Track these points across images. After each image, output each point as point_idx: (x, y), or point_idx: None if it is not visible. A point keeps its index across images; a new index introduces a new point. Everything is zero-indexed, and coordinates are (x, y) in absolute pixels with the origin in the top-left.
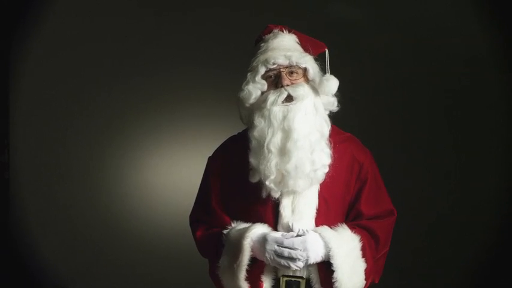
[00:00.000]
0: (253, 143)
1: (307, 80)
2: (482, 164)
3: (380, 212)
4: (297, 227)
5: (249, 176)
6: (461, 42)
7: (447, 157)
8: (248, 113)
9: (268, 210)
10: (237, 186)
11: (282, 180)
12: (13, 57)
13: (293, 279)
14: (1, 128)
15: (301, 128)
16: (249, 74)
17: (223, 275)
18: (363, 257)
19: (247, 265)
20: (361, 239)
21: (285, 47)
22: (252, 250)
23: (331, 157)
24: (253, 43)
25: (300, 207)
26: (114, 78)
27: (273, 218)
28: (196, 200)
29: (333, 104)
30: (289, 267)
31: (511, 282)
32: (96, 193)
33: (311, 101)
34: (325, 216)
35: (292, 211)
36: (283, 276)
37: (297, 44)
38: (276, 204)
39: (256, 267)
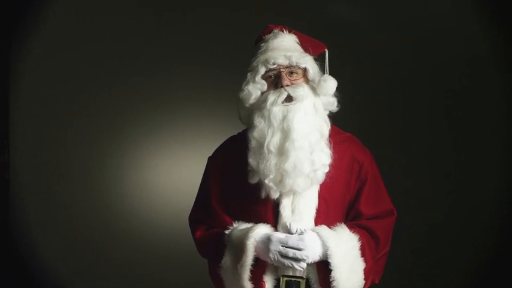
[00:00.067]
0: (253, 143)
1: (307, 80)
2: (482, 164)
3: (380, 212)
4: (294, 227)
5: (248, 176)
6: (461, 42)
7: (447, 157)
8: (248, 113)
9: (268, 211)
10: (237, 187)
11: (281, 180)
12: (13, 57)
13: (293, 279)
14: (1, 128)
15: (301, 128)
16: (249, 74)
17: (226, 275)
18: (362, 256)
19: (251, 265)
20: (360, 239)
21: (285, 47)
22: (255, 250)
23: (331, 157)
24: (253, 43)
25: (300, 207)
26: (114, 78)
27: (273, 218)
28: (196, 200)
29: (333, 104)
30: (293, 268)
31: (511, 282)
32: (96, 193)
33: (311, 101)
34: (325, 217)
35: (292, 211)
36: (283, 276)
37: (297, 44)
38: (276, 205)
39: (259, 267)
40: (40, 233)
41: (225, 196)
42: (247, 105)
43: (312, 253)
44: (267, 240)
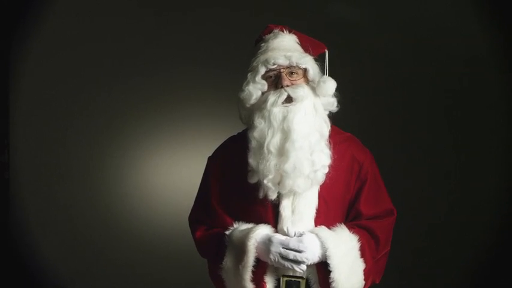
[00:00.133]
0: (253, 144)
1: (307, 81)
2: (482, 164)
3: (380, 212)
4: (292, 231)
5: (248, 176)
6: (461, 42)
7: (447, 157)
8: (248, 113)
9: (268, 211)
10: (237, 187)
11: (281, 180)
12: (13, 57)
13: (293, 279)
14: (1, 128)
15: (301, 129)
16: (249, 74)
17: (227, 276)
18: (362, 257)
19: (252, 266)
20: (360, 239)
21: (285, 47)
22: (256, 251)
23: (331, 157)
24: (253, 43)
25: (300, 207)
26: (114, 78)
27: (273, 218)
28: (196, 200)
29: (333, 105)
30: (293, 270)
31: (511, 282)
32: (96, 193)
33: (311, 102)
34: (325, 217)
35: (292, 212)
36: (284, 276)
37: (297, 45)
38: (276, 205)
39: (260, 267)
40: (40, 233)
41: (225, 196)
42: (247, 105)
43: (312, 255)
44: (267, 242)
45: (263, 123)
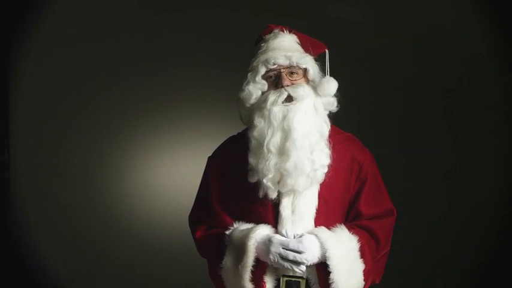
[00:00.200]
0: (253, 143)
1: (307, 81)
2: (482, 164)
3: (380, 212)
4: (291, 233)
5: (248, 176)
6: (461, 42)
7: (447, 157)
8: (248, 113)
9: (268, 211)
10: (237, 187)
11: (281, 179)
12: (13, 57)
13: (293, 279)
14: (1, 128)
15: (301, 128)
16: (249, 74)
17: (227, 276)
18: (362, 257)
19: (252, 266)
20: (360, 240)
21: (286, 47)
22: (256, 251)
23: (331, 157)
24: (254, 43)
25: (300, 207)
26: (114, 78)
27: (273, 218)
28: (196, 200)
29: (333, 104)
30: (292, 270)
31: (511, 282)
32: (96, 193)
33: (311, 102)
34: (325, 216)
35: (292, 211)
36: (284, 276)
37: (297, 44)
38: (276, 205)
39: (259, 267)
40: (40, 233)
41: (225, 196)
42: (247, 105)
43: (311, 255)
44: (268, 242)
45: (263, 122)
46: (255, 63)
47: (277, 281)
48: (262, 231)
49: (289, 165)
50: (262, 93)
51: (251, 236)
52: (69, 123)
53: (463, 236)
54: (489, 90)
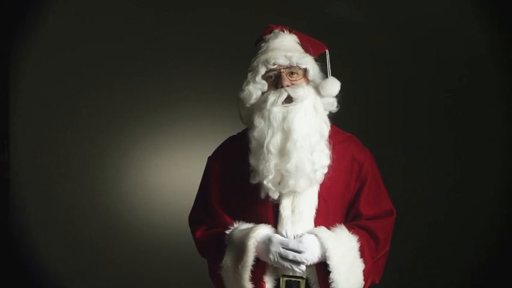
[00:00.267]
0: (253, 144)
1: (307, 81)
2: (482, 164)
3: (379, 212)
4: (291, 234)
5: (250, 177)
6: (461, 42)
7: (447, 157)
8: (248, 113)
9: (268, 211)
10: (237, 187)
11: (281, 180)
12: (13, 57)
13: (293, 279)
14: (1, 128)
15: (301, 129)
16: (249, 74)
17: (226, 275)
18: (361, 257)
19: (251, 265)
20: (360, 239)
21: (286, 47)
22: (256, 250)
23: (331, 157)
24: (254, 43)
25: (299, 207)
26: (114, 78)
27: (273, 218)
28: (195, 200)
29: (333, 105)
30: (292, 270)
31: (511, 282)
32: (96, 193)
33: (311, 102)
34: (325, 217)
35: (292, 211)
36: (283, 276)
37: (297, 45)
38: (276, 205)
39: (259, 267)
40: (40, 233)
41: (225, 196)
42: (247, 105)
43: (311, 255)
44: (267, 241)
45: (263, 123)
46: (255, 63)
47: (277, 281)
48: (262, 230)
49: (290, 166)
50: (262, 93)
51: (251, 235)
52: (69, 123)
53: (463, 236)
54: (489, 90)
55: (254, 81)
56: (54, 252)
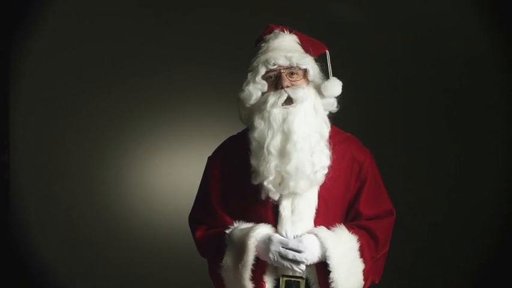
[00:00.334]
0: (254, 145)
1: (307, 81)
2: (482, 164)
3: (379, 212)
4: (290, 235)
5: (251, 177)
6: (461, 42)
7: (447, 157)
8: (248, 114)
9: (268, 211)
10: (237, 187)
11: (282, 182)
12: (13, 57)
13: (293, 279)
14: (1, 128)
15: (301, 130)
16: (249, 74)
17: (227, 275)
18: (361, 257)
19: (251, 265)
20: (359, 239)
21: (286, 47)
22: (256, 250)
23: (331, 158)
24: (254, 43)
25: (299, 208)
26: (114, 78)
27: (273, 218)
28: (195, 200)
29: (333, 105)
30: (292, 270)
31: (511, 282)
32: (96, 193)
33: (311, 103)
34: (325, 217)
35: (292, 212)
36: (283, 276)
37: (297, 45)
38: (275, 205)
39: (259, 267)
40: (40, 233)
41: (225, 196)
42: (247, 105)
43: (311, 255)
44: (267, 241)
45: (263, 124)
46: (255, 64)
47: (277, 280)
48: (263, 230)
49: (291, 167)
50: (262, 93)
51: (251, 234)
52: (69, 123)
53: (463, 236)
54: (489, 90)
55: (254, 82)
56: (54, 252)
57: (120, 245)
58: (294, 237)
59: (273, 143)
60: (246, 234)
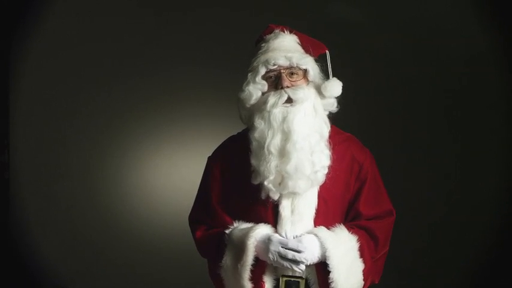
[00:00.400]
0: (254, 145)
1: (307, 81)
2: (482, 164)
3: (379, 212)
4: (290, 235)
5: (252, 177)
6: (461, 42)
7: (447, 157)
8: (248, 114)
9: (268, 211)
10: (237, 187)
11: (282, 181)
12: (13, 57)
13: (292, 279)
14: (1, 128)
15: (301, 130)
16: (249, 74)
17: (226, 275)
18: (361, 257)
19: (251, 265)
20: (359, 239)
21: (286, 47)
22: (255, 250)
23: (331, 158)
24: (254, 43)
25: (299, 207)
26: (114, 78)
27: (272, 218)
28: (195, 200)
29: (333, 105)
30: (292, 270)
31: (511, 282)
32: (96, 193)
33: (311, 103)
34: (325, 217)
35: (292, 212)
36: (283, 276)
37: (297, 45)
38: (275, 205)
39: (259, 267)
40: (40, 233)
41: (225, 196)
42: (247, 105)
43: (311, 255)
44: (267, 241)
45: (263, 124)
46: (255, 64)
47: (277, 280)
48: (262, 230)
49: (290, 167)
50: (263, 93)
51: (251, 235)
52: (69, 123)
53: (463, 236)
54: (489, 90)
55: (254, 82)
56: (54, 252)
57: (120, 245)
58: (294, 238)
59: (273, 143)
60: (246, 234)
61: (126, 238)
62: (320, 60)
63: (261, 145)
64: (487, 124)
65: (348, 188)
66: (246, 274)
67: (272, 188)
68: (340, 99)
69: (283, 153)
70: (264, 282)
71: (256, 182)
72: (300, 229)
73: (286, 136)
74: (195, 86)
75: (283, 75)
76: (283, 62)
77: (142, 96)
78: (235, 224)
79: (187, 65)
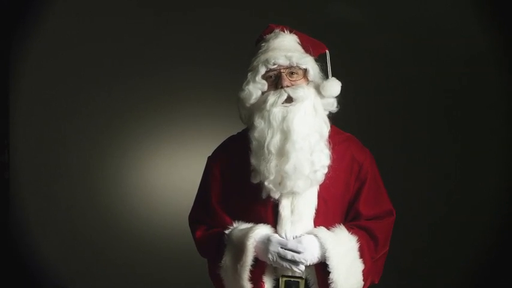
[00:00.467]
0: (254, 144)
1: (307, 81)
2: (482, 164)
3: (379, 213)
4: (290, 236)
5: (251, 177)
6: (461, 42)
7: (447, 157)
8: (248, 113)
9: (267, 211)
10: (237, 187)
11: (281, 181)
12: (13, 57)
13: (292, 279)
14: (1, 128)
15: (300, 129)
16: (249, 73)
17: (226, 275)
18: (361, 257)
19: (250, 265)
20: (359, 240)
21: (286, 47)
22: (255, 250)
23: (331, 158)
24: (254, 43)
25: (299, 207)
26: (114, 78)
27: (272, 218)
28: (195, 200)
29: (333, 105)
30: (291, 270)
31: (511, 282)
32: (96, 193)
33: (311, 103)
34: (324, 217)
35: (292, 211)
36: (283, 276)
37: (297, 45)
38: (275, 205)
39: (258, 267)
40: (40, 233)
41: (224, 196)
42: (247, 105)
43: (311, 255)
44: (266, 241)
45: (263, 123)
46: (255, 63)
47: (276, 281)
48: (262, 230)
49: (289, 167)
50: (262, 93)
51: (250, 235)
52: (69, 123)
53: (463, 236)
54: (489, 90)
55: (254, 81)
56: (54, 252)
57: (120, 245)
58: (294, 238)
59: (273, 142)
60: (245, 234)
61: (126, 238)
62: (320, 60)
63: (261, 144)
64: (487, 124)
65: (347, 188)
66: (246, 274)
67: (272, 188)
68: (340, 99)
69: (282, 153)
70: (263, 283)
71: (255, 181)
72: (300, 229)
73: (286, 136)
74: (195, 86)
75: (283, 74)
76: (283, 61)
77: (142, 96)
78: (235, 224)
79: (187, 65)
